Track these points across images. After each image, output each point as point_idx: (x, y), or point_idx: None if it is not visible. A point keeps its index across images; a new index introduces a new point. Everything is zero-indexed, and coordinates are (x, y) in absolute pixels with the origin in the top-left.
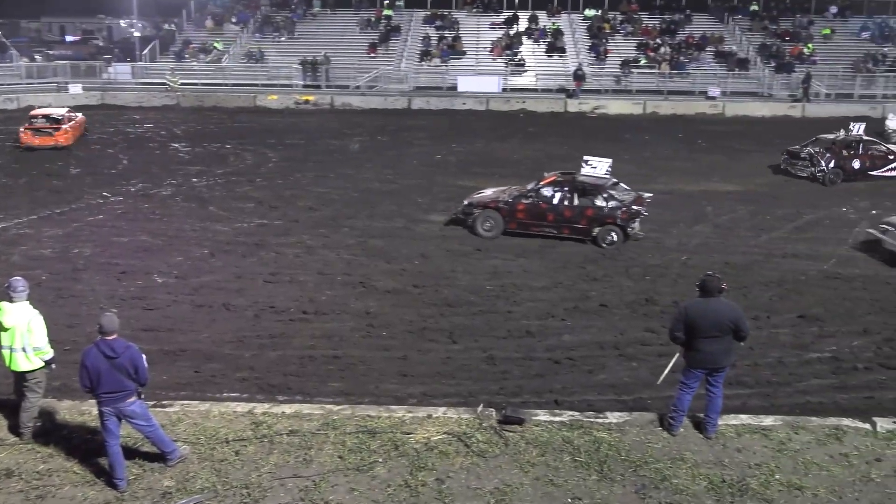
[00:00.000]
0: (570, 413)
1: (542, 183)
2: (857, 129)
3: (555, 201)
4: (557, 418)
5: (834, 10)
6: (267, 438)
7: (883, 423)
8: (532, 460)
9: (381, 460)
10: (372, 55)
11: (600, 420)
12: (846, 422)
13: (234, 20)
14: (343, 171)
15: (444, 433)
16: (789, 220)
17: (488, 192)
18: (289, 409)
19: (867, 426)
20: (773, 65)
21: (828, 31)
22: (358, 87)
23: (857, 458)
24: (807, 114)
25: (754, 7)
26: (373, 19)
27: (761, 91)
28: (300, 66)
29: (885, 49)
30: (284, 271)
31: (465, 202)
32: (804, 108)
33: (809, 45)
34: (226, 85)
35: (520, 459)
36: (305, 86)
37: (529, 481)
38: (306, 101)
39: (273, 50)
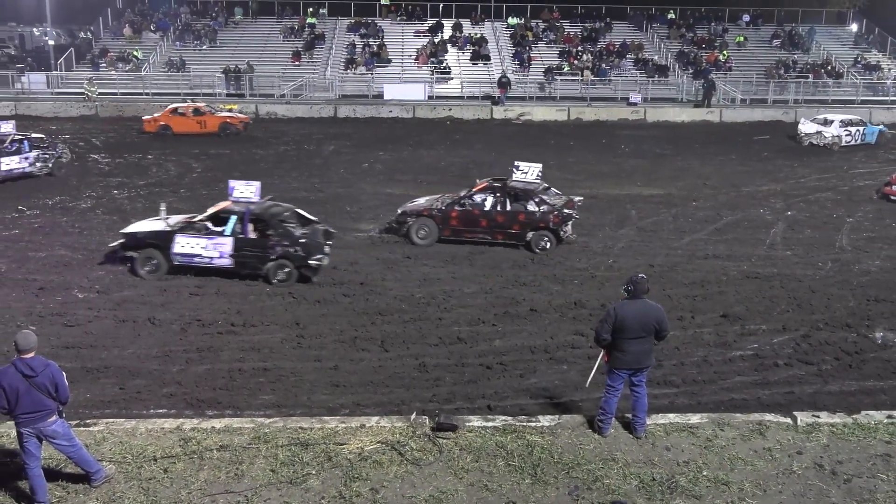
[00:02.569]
0: (503, 418)
1: (474, 189)
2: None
3: (487, 207)
4: (490, 423)
5: (747, 18)
6: (196, 454)
7: (803, 417)
8: (466, 466)
9: (314, 472)
10: (296, 63)
11: (532, 424)
12: (768, 417)
13: (153, 28)
14: (269, 180)
15: (378, 442)
16: (710, 222)
17: (421, 201)
18: (218, 423)
19: (788, 420)
20: (690, 71)
21: (741, 39)
22: (283, 96)
23: (780, 451)
24: (724, 119)
25: (671, 15)
26: (296, 27)
27: (680, 97)
28: (223, 75)
29: (796, 56)
30: (210, 283)
31: (399, 211)
32: (721, 113)
33: (724, 52)
34: (146, 94)
35: (454, 466)
36: (228, 94)
37: (464, 487)
38: (230, 110)
39: (194, 58)
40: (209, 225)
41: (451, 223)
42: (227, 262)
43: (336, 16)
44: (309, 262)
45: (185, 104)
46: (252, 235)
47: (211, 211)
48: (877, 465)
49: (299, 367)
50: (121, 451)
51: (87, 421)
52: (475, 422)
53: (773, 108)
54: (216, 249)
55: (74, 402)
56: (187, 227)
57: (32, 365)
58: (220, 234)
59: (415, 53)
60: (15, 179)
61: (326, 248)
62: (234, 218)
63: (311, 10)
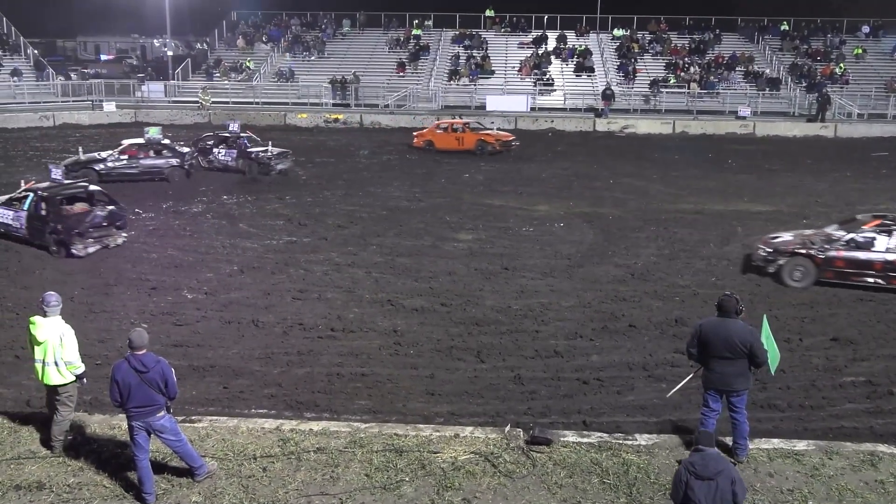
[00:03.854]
0: (599, 434)
1: (865, 227)
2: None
3: (881, 247)
4: (585, 439)
5: (866, 29)
6: (294, 455)
7: None
8: (560, 482)
9: (407, 479)
10: (401, 74)
11: (629, 442)
12: (882, 448)
13: (265, 39)
14: (372, 188)
15: (471, 453)
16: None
17: (787, 236)
18: (316, 426)
19: None
20: (803, 84)
21: (860, 51)
22: (387, 106)
23: (893, 485)
24: (839, 134)
25: (785, 26)
26: (402, 38)
27: (792, 111)
28: (330, 85)
29: None
30: (312, 288)
31: (765, 248)
32: (836, 128)
33: (841, 65)
34: (256, 103)
35: (547, 481)
36: (335, 104)
37: (557, 503)
38: (336, 120)
39: (303, 69)
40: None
41: (835, 264)
42: (23, 231)
43: (441, 27)
44: (67, 240)
45: (448, 120)
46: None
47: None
48: None
49: (396, 374)
50: (223, 449)
51: (193, 417)
52: (570, 437)
53: (892, 124)
54: (18, 221)
55: (181, 398)
56: (7, 202)
57: (144, 361)
58: (22, 209)
59: (518, 65)
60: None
61: (102, 231)
62: (30, 196)
63: (416, 21)
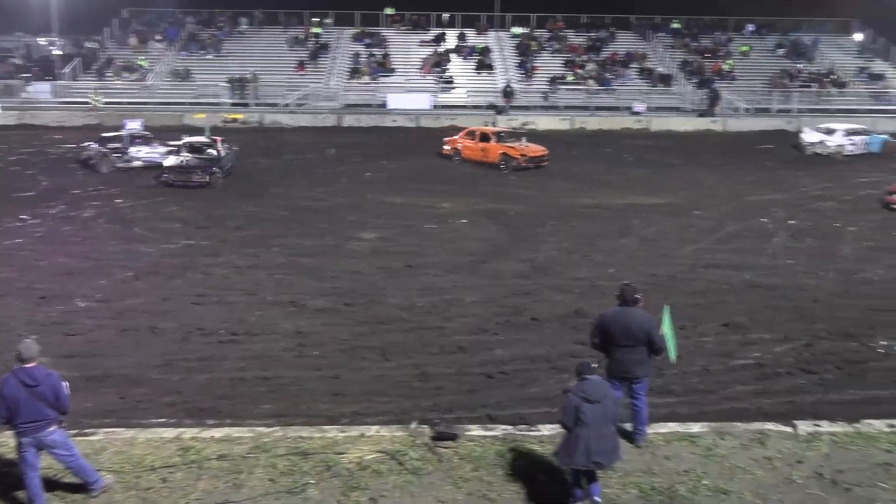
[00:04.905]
0: (504, 427)
1: None
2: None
3: None
4: (491, 433)
5: (751, 27)
6: (195, 464)
7: (803, 426)
8: (466, 476)
9: (313, 482)
10: (301, 73)
11: (533, 433)
12: (769, 426)
13: (158, 38)
14: (273, 189)
15: (378, 452)
16: (712, 231)
17: None
18: (218, 433)
19: (789, 429)
20: (694, 81)
21: (746, 49)
22: (287, 105)
23: (780, 460)
24: (728, 128)
25: (676, 25)
26: (301, 37)
27: (684, 106)
28: (228, 84)
29: (800, 65)
30: (213, 292)
31: None
32: (725, 122)
33: (729, 62)
34: (151, 103)
35: (454, 475)
36: (233, 104)
37: (463, 497)
38: (234, 120)
39: (200, 68)
40: None
41: None
42: None
43: (341, 26)
44: None
45: (478, 128)
46: None
47: None
48: (877, 474)
49: (300, 376)
50: (120, 461)
51: (87, 430)
52: (475, 431)
53: (777, 118)
54: None
55: (75, 411)
56: None
57: (34, 374)
58: None
59: (419, 63)
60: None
61: None
62: None
63: (315, 19)
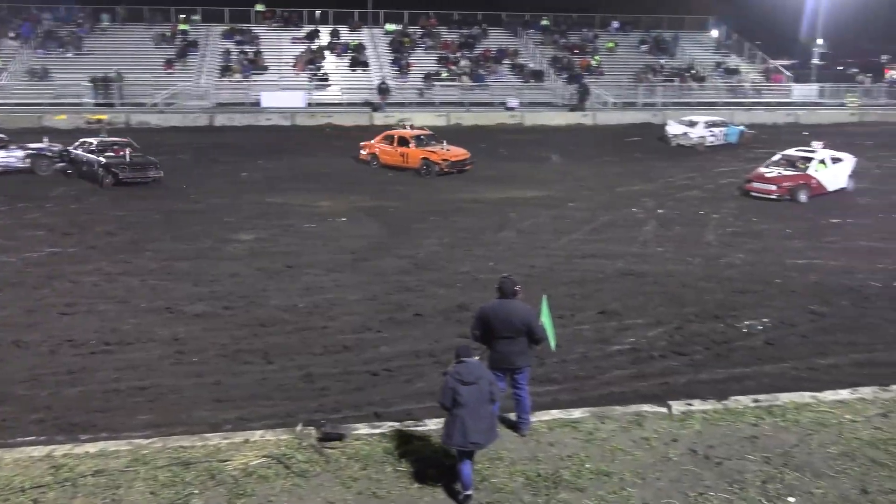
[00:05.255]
0: (390, 424)
1: None
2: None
3: None
4: (378, 430)
5: (616, 24)
6: (69, 482)
7: (677, 406)
8: (354, 475)
9: (196, 492)
10: (169, 71)
11: (420, 428)
12: (645, 408)
13: (12, 35)
14: (143, 192)
15: (263, 457)
16: (586, 222)
17: None
18: (93, 448)
19: (664, 410)
20: (564, 76)
21: (611, 45)
22: (155, 105)
23: (657, 440)
24: (597, 122)
25: (545, 22)
26: (168, 34)
27: (556, 101)
28: (90, 84)
29: (662, 60)
30: (82, 301)
31: None
32: (595, 116)
33: (596, 58)
34: (6, 104)
35: (342, 475)
36: (97, 104)
37: (353, 496)
38: (99, 121)
39: (59, 67)
40: None
41: None
42: None
43: (209, 22)
44: None
45: (396, 131)
46: None
47: None
48: (745, 447)
49: (179, 384)
50: None
51: None
52: (362, 430)
53: (643, 111)
54: None
55: None
56: None
57: None
58: None
59: (292, 60)
60: None
61: None
62: None
63: (182, 16)
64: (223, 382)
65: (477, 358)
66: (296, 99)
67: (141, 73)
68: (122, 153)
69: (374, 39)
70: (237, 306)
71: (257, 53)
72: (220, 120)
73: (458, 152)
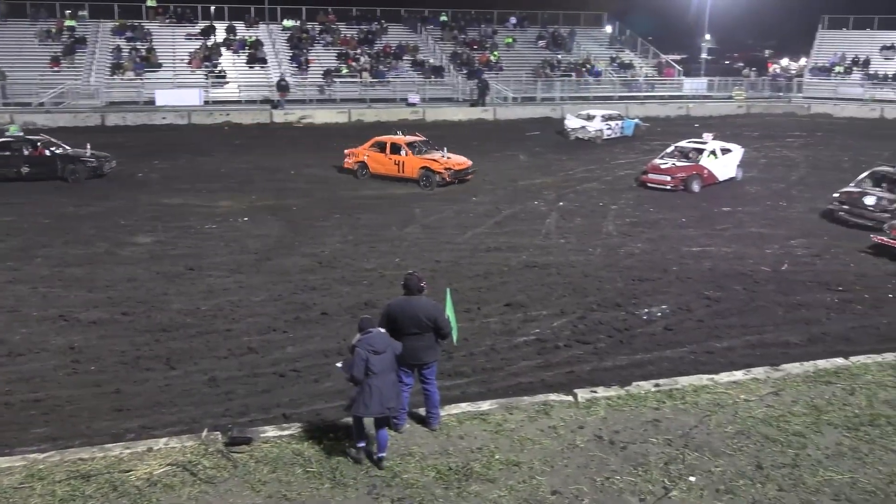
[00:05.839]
0: (299, 425)
1: None
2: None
3: None
4: (286, 432)
5: (514, 20)
6: None
7: (582, 394)
8: (263, 478)
9: None
10: (56, 69)
11: (329, 427)
12: (552, 397)
13: None
14: (32, 196)
15: (168, 465)
16: (490, 216)
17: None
18: None
19: (570, 398)
20: (464, 72)
21: (510, 40)
22: (42, 104)
23: (564, 428)
24: (498, 117)
25: (444, 17)
26: (53, 30)
27: (456, 96)
28: None
29: (560, 56)
30: None
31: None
32: (495, 111)
33: (495, 53)
34: None
35: (251, 479)
36: None
37: (262, 500)
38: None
39: None
40: None
41: None
42: None
43: (98, 18)
44: None
45: (387, 137)
46: None
47: None
48: (648, 431)
49: (76, 394)
50: None
51: None
52: (270, 432)
53: (542, 106)
54: None
55: None
56: None
57: None
58: None
59: (187, 57)
60: None
61: None
62: None
63: (69, 12)
64: (123, 391)
65: (381, 330)
66: (192, 97)
67: (25, 70)
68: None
69: (272, 36)
70: (136, 312)
71: (150, 50)
72: (113, 119)
73: (459, 160)
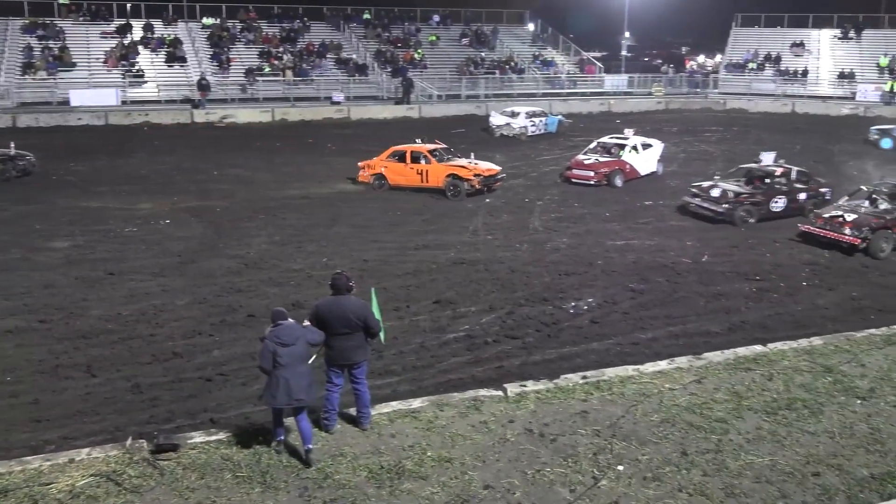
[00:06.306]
0: (227, 429)
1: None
2: None
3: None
4: (214, 437)
5: (437, 18)
6: None
7: (512, 388)
8: (191, 485)
9: None
10: None
11: (258, 429)
12: (482, 392)
13: None
14: None
15: (91, 476)
16: (418, 213)
17: (854, 214)
18: None
19: (500, 393)
20: (388, 70)
21: (434, 38)
22: None
23: (495, 423)
24: (423, 114)
25: (367, 15)
26: None
27: (381, 95)
28: None
29: (483, 53)
30: None
31: (865, 226)
32: (420, 109)
33: (419, 51)
34: None
35: (178, 487)
36: None
37: None
38: None
39: None
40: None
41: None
42: None
43: (7, 15)
44: None
45: (405, 146)
46: None
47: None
48: (577, 423)
49: None
50: None
51: None
52: (198, 438)
53: (466, 103)
54: None
55: None
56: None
57: None
58: None
59: (103, 56)
60: None
61: None
62: None
63: None
64: (42, 401)
65: (292, 321)
66: (108, 97)
67: None
68: None
69: (192, 34)
70: (54, 319)
71: (63, 49)
72: (25, 121)
73: (487, 166)
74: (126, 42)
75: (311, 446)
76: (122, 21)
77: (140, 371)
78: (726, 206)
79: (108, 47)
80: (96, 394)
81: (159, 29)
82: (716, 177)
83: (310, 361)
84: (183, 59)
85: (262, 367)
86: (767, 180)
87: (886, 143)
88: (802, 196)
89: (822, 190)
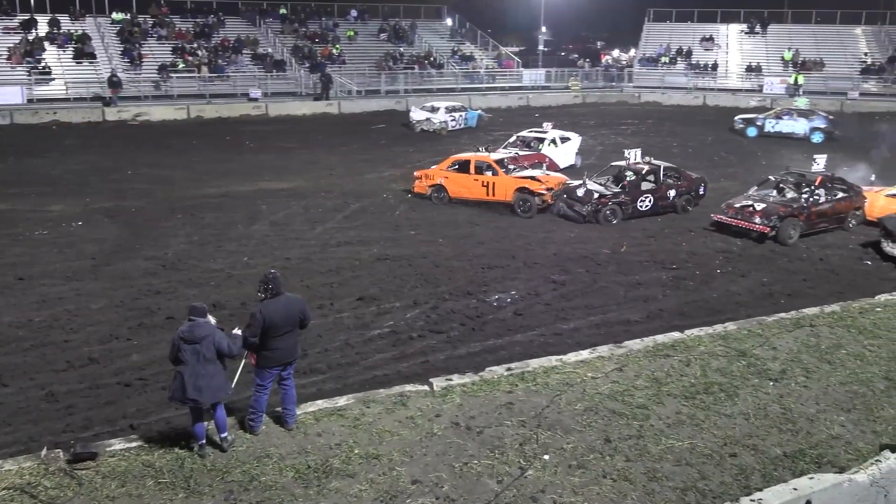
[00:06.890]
0: (148, 435)
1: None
2: None
3: (821, 199)
4: (135, 444)
5: (354, 13)
6: None
7: (438, 383)
8: (111, 494)
9: None
10: None
11: (180, 433)
12: (408, 387)
13: None
14: None
15: (4, 489)
16: (339, 210)
17: (763, 203)
18: None
19: (426, 388)
20: (307, 65)
21: (352, 33)
22: None
23: (421, 417)
24: (343, 110)
25: (283, 10)
26: None
27: (299, 91)
28: None
29: (402, 48)
30: None
31: (773, 215)
32: (340, 105)
33: (337, 46)
34: None
35: (98, 497)
36: None
37: None
38: None
39: None
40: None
41: (811, 219)
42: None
43: None
44: None
45: (468, 155)
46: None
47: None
48: (503, 414)
49: None
50: None
51: None
52: (117, 445)
53: (386, 99)
54: None
55: None
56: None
57: None
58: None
59: (6, 52)
60: None
61: None
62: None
63: None
64: None
65: (209, 319)
66: (13, 95)
67: None
68: None
69: (101, 29)
70: None
71: None
72: None
73: (560, 178)
74: (31, 38)
75: (225, 435)
76: (27, 16)
77: (54, 378)
78: (588, 207)
79: (12, 43)
80: (8, 404)
81: (66, 24)
82: (585, 176)
83: (241, 367)
84: (92, 56)
85: (170, 360)
86: (634, 178)
87: (752, 132)
88: (672, 193)
89: (696, 186)
